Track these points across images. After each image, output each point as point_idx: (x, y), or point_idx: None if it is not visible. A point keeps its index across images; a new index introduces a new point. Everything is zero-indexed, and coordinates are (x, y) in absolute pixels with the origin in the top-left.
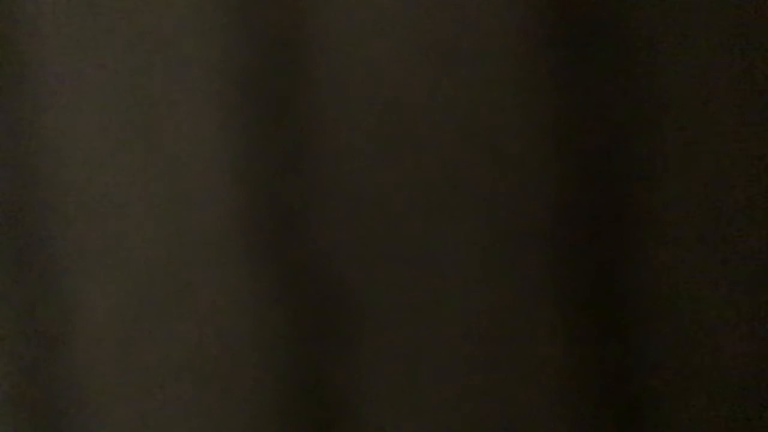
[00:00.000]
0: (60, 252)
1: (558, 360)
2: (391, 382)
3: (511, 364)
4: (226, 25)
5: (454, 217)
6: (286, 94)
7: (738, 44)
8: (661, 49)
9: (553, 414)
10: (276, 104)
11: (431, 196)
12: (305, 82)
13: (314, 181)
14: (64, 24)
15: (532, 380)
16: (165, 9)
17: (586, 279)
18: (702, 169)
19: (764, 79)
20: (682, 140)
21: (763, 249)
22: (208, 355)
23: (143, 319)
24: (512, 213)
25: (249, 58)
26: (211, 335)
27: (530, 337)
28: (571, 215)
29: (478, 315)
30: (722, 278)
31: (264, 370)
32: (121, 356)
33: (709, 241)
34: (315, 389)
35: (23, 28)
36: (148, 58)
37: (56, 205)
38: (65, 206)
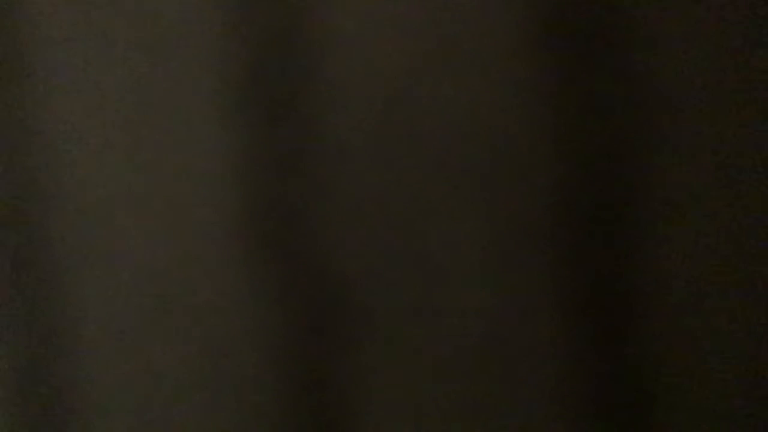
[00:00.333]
0: (60, 252)
1: (558, 360)
2: (391, 382)
3: (511, 364)
4: (226, 25)
5: (455, 217)
6: (286, 94)
7: (738, 44)
8: (661, 49)
9: (554, 414)
10: (276, 104)
11: (431, 196)
12: (305, 82)
13: (314, 181)
14: (64, 24)
15: (532, 380)
16: (165, 9)
17: (586, 279)
18: (702, 169)
19: (764, 79)
20: (682, 140)
21: (763, 249)
22: (208, 354)
23: (143, 319)
24: (513, 213)
25: (249, 58)
26: (211, 335)
27: (530, 337)
28: (571, 215)
29: (479, 315)
30: (722, 278)
31: (264, 369)
32: (121, 356)
33: (709, 241)
34: (316, 389)
35: (23, 27)
36: (148, 58)
37: (56, 205)
38: (65, 206)
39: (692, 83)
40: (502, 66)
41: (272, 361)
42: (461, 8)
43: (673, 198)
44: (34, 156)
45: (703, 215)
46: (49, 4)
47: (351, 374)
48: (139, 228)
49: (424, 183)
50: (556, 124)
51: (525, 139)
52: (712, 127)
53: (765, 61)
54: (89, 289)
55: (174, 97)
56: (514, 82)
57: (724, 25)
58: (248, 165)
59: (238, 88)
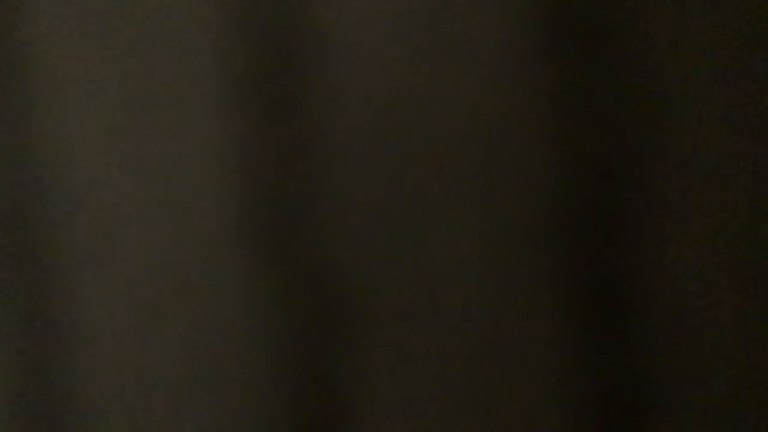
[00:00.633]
0: (60, 252)
1: (558, 360)
2: (391, 382)
3: (511, 365)
4: (226, 25)
5: (455, 217)
6: (286, 94)
7: (738, 44)
8: (661, 49)
9: (554, 414)
10: (276, 104)
11: (431, 196)
12: (305, 82)
13: (314, 180)
14: (64, 24)
15: (532, 380)
16: (165, 9)
17: (586, 279)
18: (702, 169)
19: (764, 79)
20: (682, 140)
21: (763, 249)
22: (208, 354)
23: (143, 319)
24: (512, 213)
25: (249, 58)
26: (211, 335)
27: (530, 337)
28: (571, 215)
29: (479, 315)
30: (722, 278)
31: (265, 369)
32: (121, 356)
33: (709, 241)
34: (316, 389)
35: (23, 27)
36: (149, 57)
37: (56, 205)
38: (65, 206)
39: (692, 83)
40: (502, 66)
41: (272, 361)
42: (461, 8)
43: (673, 198)
44: (35, 156)
45: (703, 215)
46: (49, 4)
47: (351, 374)
48: (139, 228)
49: (424, 183)
50: (556, 124)
51: (525, 139)
52: (711, 128)
53: (765, 61)
54: (89, 289)
55: (174, 97)
56: (514, 82)
57: (724, 25)
58: (248, 165)
59: (238, 87)
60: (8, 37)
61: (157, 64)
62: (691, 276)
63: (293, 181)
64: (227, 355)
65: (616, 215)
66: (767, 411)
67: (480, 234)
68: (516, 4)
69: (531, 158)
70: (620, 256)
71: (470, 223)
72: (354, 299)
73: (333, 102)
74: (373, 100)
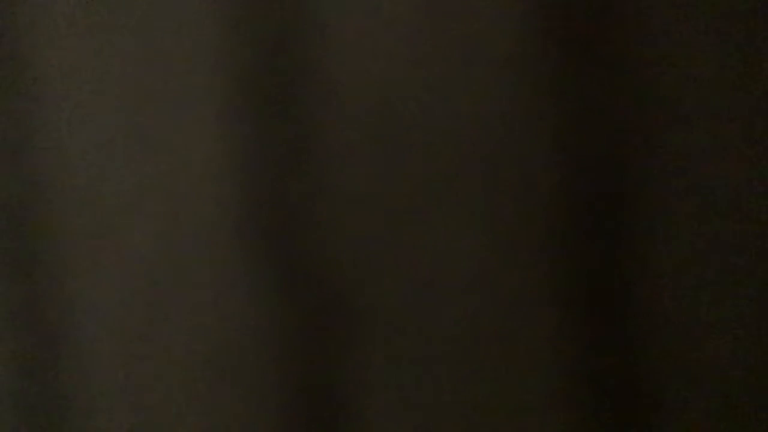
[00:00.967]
0: (60, 251)
1: (558, 360)
2: (391, 382)
3: (511, 364)
4: (226, 25)
5: (454, 217)
6: (286, 93)
7: (738, 44)
8: (661, 48)
9: (554, 414)
10: (276, 104)
11: (431, 196)
12: (305, 82)
13: (314, 180)
14: (64, 24)
15: (533, 380)
16: (165, 9)
17: (586, 278)
18: (702, 169)
19: (764, 79)
20: (682, 140)
21: (763, 249)
22: (208, 354)
23: (143, 319)
24: (512, 213)
25: (249, 58)
26: (211, 335)
27: (530, 337)
28: (571, 215)
29: (479, 315)
30: (722, 278)
31: (265, 369)
32: (121, 356)
33: (709, 240)
34: (316, 389)
35: (23, 28)
36: (149, 57)
37: (56, 205)
38: (65, 206)
39: (692, 83)
40: (502, 66)
41: (272, 361)
42: (461, 8)
43: (673, 197)
44: (34, 156)
45: (703, 215)
46: (49, 4)
47: (351, 374)
48: (139, 227)
49: (424, 182)
50: (556, 124)
51: (525, 138)
52: (712, 127)
53: (765, 61)
54: (89, 289)
55: (174, 97)
56: (514, 82)
57: (724, 24)
58: (248, 164)
59: (238, 87)
60: (8, 37)
61: (157, 64)
62: (691, 275)
63: (293, 181)
64: (227, 354)
65: (615, 214)
66: (767, 411)
67: (480, 234)
68: (516, 4)
69: (531, 158)
70: (620, 256)
71: (470, 222)
72: (354, 299)
73: (333, 102)
74: (373, 99)
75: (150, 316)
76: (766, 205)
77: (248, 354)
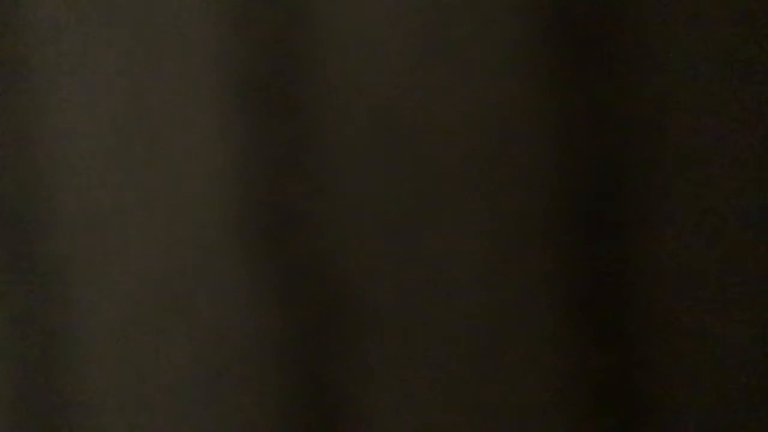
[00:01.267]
0: (60, 253)
1: (559, 360)
2: (391, 382)
3: (512, 365)
4: (226, 25)
5: (455, 217)
6: (286, 94)
7: (738, 45)
8: (661, 49)
9: (554, 414)
10: (276, 104)
11: (431, 196)
12: (305, 82)
13: (314, 180)
14: (64, 24)
15: (533, 380)
16: (165, 9)
17: (586, 278)
18: (702, 170)
19: (764, 79)
20: (683, 140)
21: (763, 249)
22: (208, 356)
23: (143, 320)
24: (513, 213)
25: (249, 58)
26: (211, 335)
27: (530, 337)
28: (571, 215)
29: (480, 315)
30: (723, 277)
31: (266, 371)
32: (122, 357)
33: (709, 240)
34: (316, 389)
35: (23, 28)
36: (148, 58)
37: (56, 206)
38: (65, 207)
39: (692, 83)
40: (502, 65)
41: (272, 361)
42: (461, 8)
43: (673, 197)
44: (34, 156)
45: (703, 214)
46: (49, 4)
47: (353, 375)
48: (139, 228)
49: (424, 182)
50: (556, 124)
51: (525, 138)
52: (712, 127)
53: (765, 61)
54: (89, 290)
55: (174, 98)
56: (514, 82)
57: (724, 24)
58: (248, 165)
59: (238, 88)
60: (8, 37)
61: (157, 64)
62: (691, 275)
63: (293, 182)
64: (227, 355)
65: (615, 214)
66: (767, 411)
67: (480, 233)
68: (516, 4)
69: (531, 158)
70: (620, 256)
71: (470, 222)
72: (354, 298)
73: (333, 102)
74: (373, 100)
75: (150, 317)
76: (766, 205)
77: (248, 354)
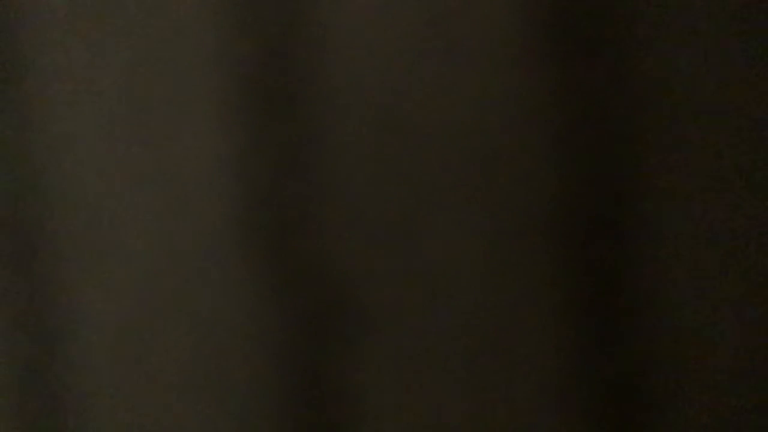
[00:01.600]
0: (60, 252)
1: (559, 360)
2: (391, 382)
3: (512, 365)
4: (226, 25)
5: (455, 217)
6: (287, 93)
7: (738, 42)
8: (661, 49)
9: (554, 414)
10: (276, 104)
11: (431, 196)
12: (306, 82)
13: (314, 181)
14: (63, 24)
15: (533, 380)
16: (165, 9)
17: (587, 280)
18: (702, 170)
19: (765, 79)
20: (682, 140)
21: (763, 249)
22: (209, 355)
23: (143, 320)
24: (513, 213)
25: (249, 58)
26: (211, 335)
27: (531, 337)
28: (571, 215)
29: (480, 315)
30: (723, 278)
31: (264, 369)
32: (120, 357)
33: (709, 240)
34: (316, 389)
35: (23, 28)
36: (148, 57)
37: (56, 206)
38: (65, 206)
39: (692, 83)
40: (503, 65)
41: (272, 361)
42: (461, 8)
43: (673, 197)
44: (34, 156)
45: (703, 215)
46: (49, 4)
47: (352, 375)
48: (138, 227)
49: (424, 183)
50: (556, 124)
51: (525, 138)
52: (711, 127)
53: (765, 61)
54: (88, 290)
55: (174, 97)
56: (514, 82)
57: (724, 25)
58: (248, 165)
59: (238, 87)
60: (8, 37)
61: (156, 64)
62: (691, 276)
63: (293, 181)
64: (227, 354)
65: (616, 214)
66: (767, 411)
67: (480, 234)
68: (517, 4)
69: (531, 158)
70: (620, 256)
71: (470, 222)
72: (354, 298)
73: (333, 102)
74: (373, 99)
75: (150, 316)
76: (766, 205)
77: (248, 354)
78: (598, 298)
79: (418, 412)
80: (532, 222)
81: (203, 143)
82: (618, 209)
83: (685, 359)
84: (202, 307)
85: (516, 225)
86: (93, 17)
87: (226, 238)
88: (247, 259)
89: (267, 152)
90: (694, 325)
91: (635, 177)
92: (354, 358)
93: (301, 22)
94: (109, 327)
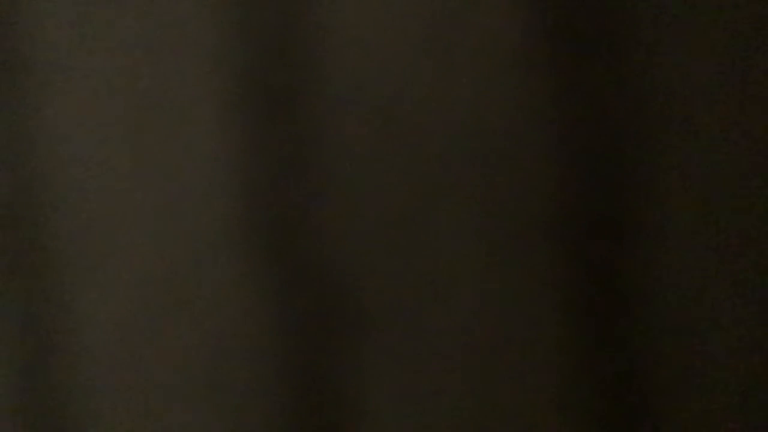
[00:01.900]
0: (60, 253)
1: (558, 359)
2: (391, 382)
3: (512, 364)
4: (226, 25)
5: (455, 218)
6: (287, 94)
7: (738, 44)
8: (661, 49)
9: (554, 413)
10: (276, 104)
11: (431, 196)
12: (305, 83)
13: (315, 181)
14: (64, 24)
15: (533, 380)
16: (165, 9)
17: (587, 279)
18: (702, 170)
19: (764, 79)
20: (683, 140)
21: (763, 249)
22: (209, 356)
23: (143, 320)
24: (513, 213)
25: (249, 58)
26: (211, 335)
27: (530, 337)
28: (571, 215)
29: (479, 315)
30: (722, 278)
31: (265, 370)
32: (121, 358)
33: (709, 240)
34: (316, 389)
35: (23, 28)
36: (148, 58)
37: (56, 206)
38: (65, 207)
39: (692, 83)
40: (503, 66)
41: (272, 361)
42: (461, 8)
43: (673, 198)
44: (34, 156)
45: (703, 215)
46: (49, 4)
47: (351, 374)
48: (139, 229)
49: (424, 183)
50: (556, 124)
51: (525, 139)
52: (712, 127)
53: (765, 61)
54: (88, 291)
55: (174, 98)
56: (514, 82)
57: (725, 25)
58: (248, 165)
59: (239, 87)
60: (8, 37)
61: (156, 64)
62: (691, 276)
63: (293, 181)
64: (227, 355)
65: (616, 215)
66: (767, 411)
67: (480, 234)
68: (516, 5)
69: (531, 158)
70: (620, 256)
71: (471, 223)
72: (354, 298)
73: (333, 101)
74: (373, 99)
75: (150, 318)
76: (766, 205)
77: (248, 354)
78: (598, 298)
79: (418, 412)
80: (532, 222)
81: (203, 143)
82: (618, 209)
83: (685, 359)
84: (202, 306)
85: (516, 225)
86: (93, 18)
87: (227, 237)
88: (247, 259)
89: (267, 152)
90: (694, 324)
91: (635, 177)
92: (354, 358)
93: (301, 22)
94: (109, 327)
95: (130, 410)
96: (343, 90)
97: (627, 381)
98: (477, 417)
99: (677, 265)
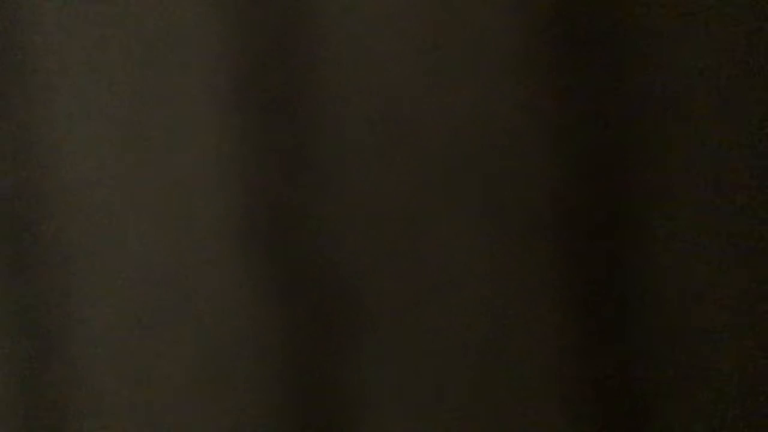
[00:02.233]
0: (60, 252)
1: (558, 359)
2: (391, 382)
3: (512, 364)
4: (226, 25)
5: (455, 217)
6: (287, 94)
7: (738, 44)
8: (661, 49)
9: (554, 413)
10: (276, 104)
11: (432, 196)
12: (306, 83)
13: (315, 181)
14: (64, 24)
15: (533, 379)
16: (165, 9)
17: (586, 278)
18: (702, 169)
19: (764, 79)
20: (682, 140)
21: (763, 249)
22: (208, 355)
23: (143, 320)
24: (513, 212)
25: (249, 58)
26: (211, 336)
27: (530, 337)
28: (571, 215)
29: (479, 314)
30: (722, 278)
31: (265, 369)
32: (121, 357)
33: (708, 240)
34: (316, 389)
35: (23, 28)
36: (149, 58)
37: (56, 206)
38: (65, 207)
39: (692, 83)
40: (503, 66)
41: (272, 361)
42: (461, 8)
43: (673, 198)
44: (34, 156)
45: (703, 215)
46: (49, 4)
47: (351, 374)
48: (139, 228)
49: (424, 182)
50: (556, 124)
51: (525, 138)
52: (712, 127)
53: (765, 61)
54: (89, 290)
55: (174, 97)
56: (514, 82)
57: (725, 24)
58: (248, 165)
59: (238, 88)
60: (8, 37)
61: (157, 64)
62: (690, 275)
63: (293, 181)
64: (227, 355)
65: (615, 215)
66: (767, 411)
67: (480, 234)
68: (516, 5)
69: (531, 158)
70: (620, 256)
71: (471, 223)
72: (354, 299)
73: (333, 102)
74: (373, 100)
75: (150, 318)
76: (766, 205)
77: (249, 355)
78: (598, 298)
79: (419, 411)
80: (533, 222)
81: (203, 143)
82: (618, 209)
83: (685, 359)
84: (202, 306)
85: (516, 225)
86: (94, 19)
87: (227, 237)
88: (248, 259)
89: (267, 152)
90: (694, 324)
91: (634, 177)
92: (354, 357)
93: (301, 22)
94: (110, 326)
95: (130, 410)
96: (343, 90)
97: (627, 381)
98: (477, 417)
99: (677, 265)
